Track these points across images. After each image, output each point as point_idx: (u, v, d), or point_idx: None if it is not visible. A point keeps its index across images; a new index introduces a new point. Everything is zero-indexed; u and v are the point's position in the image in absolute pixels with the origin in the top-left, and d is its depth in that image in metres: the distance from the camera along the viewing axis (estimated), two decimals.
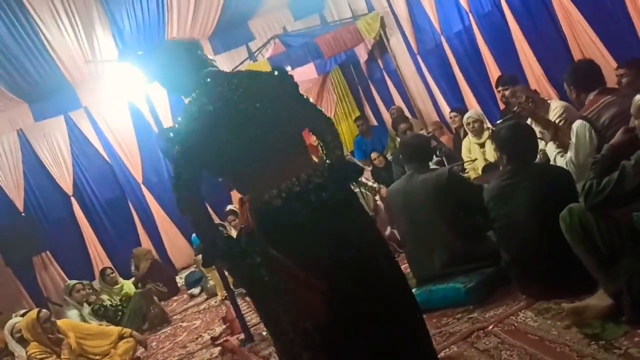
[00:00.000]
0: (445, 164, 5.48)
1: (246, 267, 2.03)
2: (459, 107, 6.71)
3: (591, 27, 4.93)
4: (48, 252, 8.32)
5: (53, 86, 8.01)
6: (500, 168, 3.26)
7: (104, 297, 6.83)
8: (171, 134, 2.04)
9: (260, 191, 2.01)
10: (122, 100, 8.75)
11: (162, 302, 7.01)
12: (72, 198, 8.63)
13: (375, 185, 5.63)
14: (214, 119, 2.00)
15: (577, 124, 3.14)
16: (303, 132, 2.24)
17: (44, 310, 4.61)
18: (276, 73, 2.15)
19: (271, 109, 2.04)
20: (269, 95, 2.06)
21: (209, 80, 2.09)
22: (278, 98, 2.08)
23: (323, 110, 2.32)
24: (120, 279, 7.06)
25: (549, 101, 4.15)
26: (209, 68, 2.17)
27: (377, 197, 5.42)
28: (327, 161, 2.21)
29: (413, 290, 3.23)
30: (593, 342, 2.32)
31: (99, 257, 8.54)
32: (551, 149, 3.52)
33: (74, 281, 6.56)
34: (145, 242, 8.81)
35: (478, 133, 5.60)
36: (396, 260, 2.31)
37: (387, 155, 7.37)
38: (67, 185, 8.60)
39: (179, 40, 2.26)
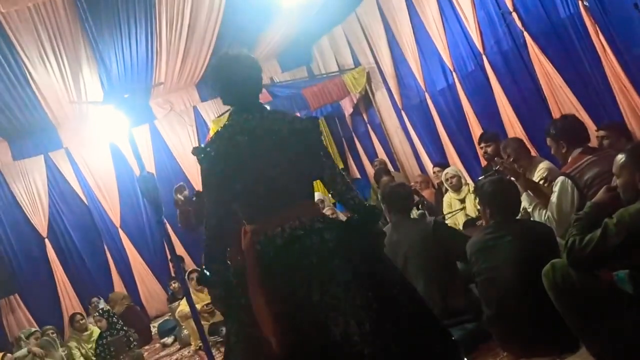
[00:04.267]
0: (427, 217, 5.48)
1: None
2: (442, 163, 6.79)
3: (570, 88, 5.10)
4: (16, 295, 8.03)
5: (34, 125, 7.95)
6: (483, 222, 3.26)
7: (72, 344, 6.58)
8: (202, 156, 2.14)
9: (265, 227, 2.11)
10: (104, 143, 8.69)
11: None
12: (46, 239, 8.42)
13: None
14: (243, 150, 2.10)
15: (560, 180, 3.16)
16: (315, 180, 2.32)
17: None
18: (311, 121, 2.25)
19: (293, 154, 2.13)
20: (295, 140, 2.15)
21: (252, 110, 2.19)
22: (302, 144, 2.17)
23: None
24: (91, 326, 6.82)
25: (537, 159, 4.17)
26: (257, 100, 2.26)
27: None
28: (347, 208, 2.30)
29: None
30: None
31: (69, 302, 8.27)
32: (526, 202, 3.52)
33: (34, 329, 6.37)
34: (119, 288, 8.57)
35: (457, 189, 5.66)
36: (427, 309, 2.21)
37: None
38: (41, 226, 8.41)
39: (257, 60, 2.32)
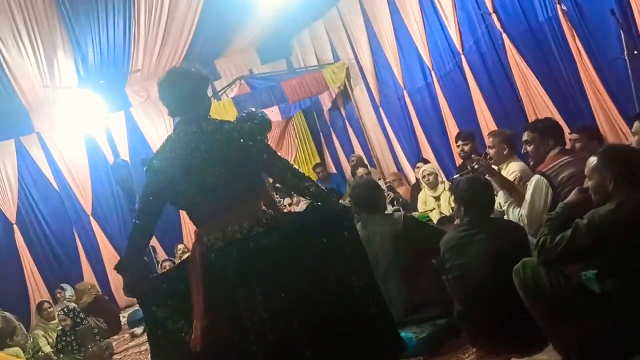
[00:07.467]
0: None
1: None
2: (426, 159, 6.80)
3: (545, 91, 5.18)
4: None
5: (6, 108, 7.72)
6: (457, 220, 3.29)
7: (39, 332, 6.45)
8: (145, 168, 2.38)
9: (209, 231, 2.29)
10: (77, 129, 8.50)
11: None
12: (15, 225, 8.24)
13: None
14: (182, 162, 2.27)
15: (535, 178, 3.20)
16: (262, 183, 2.47)
17: None
18: (258, 124, 2.33)
19: (231, 162, 2.26)
20: (233, 148, 2.26)
21: (192, 124, 2.32)
22: (242, 151, 2.27)
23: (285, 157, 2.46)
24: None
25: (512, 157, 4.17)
26: (202, 112, 2.39)
27: None
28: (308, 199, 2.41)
29: None
30: None
31: (37, 290, 8.11)
32: (502, 199, 3.55)
33: None
34: (89, 276, 8.42)
35: (433, 186, 5.71)
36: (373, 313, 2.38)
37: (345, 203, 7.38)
38: (10, 212, 8.22)
39: (206, 75, 2.45)
